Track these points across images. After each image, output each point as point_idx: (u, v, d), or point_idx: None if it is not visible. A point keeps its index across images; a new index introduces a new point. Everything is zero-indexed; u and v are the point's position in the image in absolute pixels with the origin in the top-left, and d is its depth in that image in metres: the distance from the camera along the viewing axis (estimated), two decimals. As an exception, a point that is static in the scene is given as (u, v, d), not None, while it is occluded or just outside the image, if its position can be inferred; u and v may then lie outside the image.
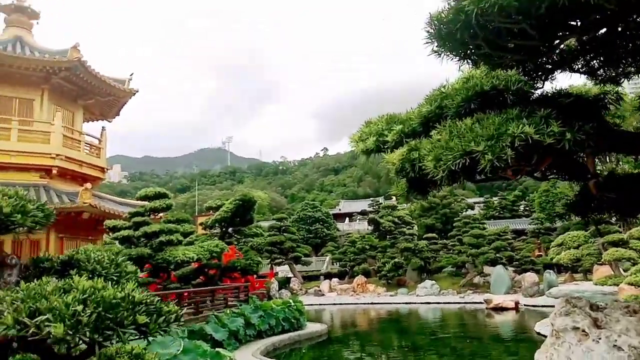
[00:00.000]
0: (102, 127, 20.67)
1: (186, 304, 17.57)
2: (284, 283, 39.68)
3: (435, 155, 4.26)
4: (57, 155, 17.35)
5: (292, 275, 42.47)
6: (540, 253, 43.35)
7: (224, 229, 20.60)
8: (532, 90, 5.01)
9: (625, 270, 21.40)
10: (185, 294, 18.88)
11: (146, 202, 16.23)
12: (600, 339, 4.99)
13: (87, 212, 16.09)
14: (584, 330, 5.23)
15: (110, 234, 16.43)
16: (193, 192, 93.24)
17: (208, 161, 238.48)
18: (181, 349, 11.57)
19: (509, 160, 3.98)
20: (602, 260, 21.20)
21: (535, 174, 5.53)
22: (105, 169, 19.97)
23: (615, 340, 4.89)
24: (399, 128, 5.20)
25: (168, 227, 14.61)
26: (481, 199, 71.09)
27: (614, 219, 29.22)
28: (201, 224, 21.31)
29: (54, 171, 17.35)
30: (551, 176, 6.12)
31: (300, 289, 40.18)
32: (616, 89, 5.27)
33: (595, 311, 5.32)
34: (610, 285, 18.51)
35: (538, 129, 4.08)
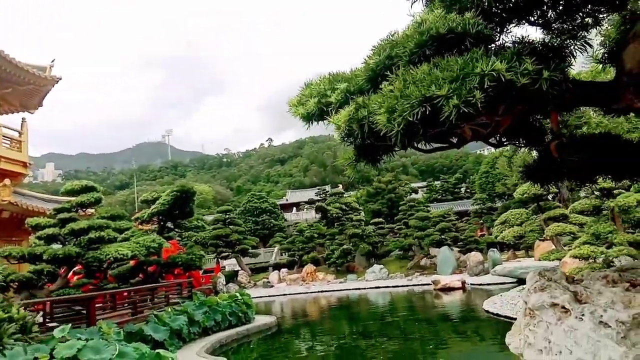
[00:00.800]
0: (23, 118, 19.04)
1: (126, 304, 16.48)
2: (232, 277, 38.71)
3: (388, 106, 3.66)
4: (-30, 149, 15.79)
5: (239, 269, 41.50)
6: (483, 232, 44.48)
7: (162, 223, 19.46)
8: (492, 37, 4.50)
9: (565, 245, 21.99)
10: (125, 293, 17.73)
11: (73, 198, 14.97)
12: (584, 315, 4.54)
13: (7, 210, 14.72)
14: (563, 307, 4.77)
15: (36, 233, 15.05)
16: (132, 188, 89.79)
17: (148, 156, 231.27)
18: (116, 353, 10.62)
19: (478, 105, 3.45)
20: (544, 236, 21.70)
21: (490, 139, 5.10)
22: (27, 164, 18.40)
23: (601, 316, 4.45)
24: (344, 86, 4.52)
25: (98, 223, 13.45)
26: (424, 183, 72.53)
27: (550, 196, 30.20)
28: (137, 218, 20.06)
29: (-33, 167, 15.80)
30: (507, 142, 5.73)
31: (249, 282, 39.33)
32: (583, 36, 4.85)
33: (572, 284, 4.90)
34: (552, 260, 18.88)
35: (510, 66, 3.58)
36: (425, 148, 5.81)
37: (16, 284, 12.75)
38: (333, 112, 4.29)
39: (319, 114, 4.65)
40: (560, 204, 25.82)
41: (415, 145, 5.56)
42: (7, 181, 14.67)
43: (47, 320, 12.79)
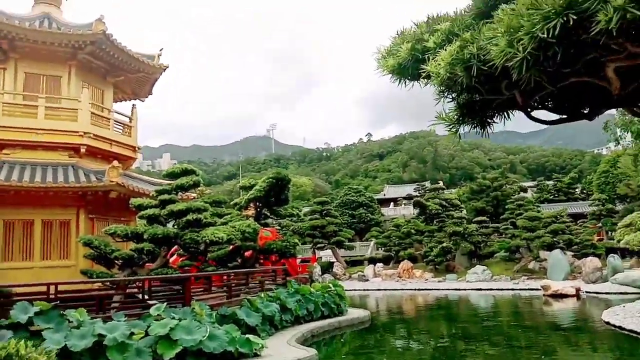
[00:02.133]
0: (133, 105, 20.01)
1: (222, 287, 16.68)
2: (327, 268, 38.66)
3: (508, 25, 2.70)
4: (85, 133, 16.69)
5: (335, 260, 41.38)
6: (602, 237, 40.45)
7: (258, 209, 19.56)
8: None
9: None
10: (225, 277, 17.97)
11: (173, 181, 15.36)
12: None
13: (115, 190, 15.39)
14: None
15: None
16: (238, 179, 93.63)
17: (253, 149, 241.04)
18: (207, 335, 10.60)
19: None
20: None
21: (636, 108, 3.95)
22: (136, 148, 19.27)
23: None
24: (446, 26, 3.54)
25: (195, 206, 13.62)
26: (534, 183, 67.78)
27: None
28: (235, 204, 20.35)
29: (83, 150, 16.72)
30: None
31: (344, 274, 39.04)
32: None
33: None
34: (690, 269, 16.34)
35: None
36: (547, 120, 4.83)
37: (120, 261, 13.27)
38: (431, 60, 3.39)
39: (413, 65, 3.75)
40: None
41: (535, 116, 4.61)
42: (115, 163, 15.35)
43: (146, 297, 13.21)
